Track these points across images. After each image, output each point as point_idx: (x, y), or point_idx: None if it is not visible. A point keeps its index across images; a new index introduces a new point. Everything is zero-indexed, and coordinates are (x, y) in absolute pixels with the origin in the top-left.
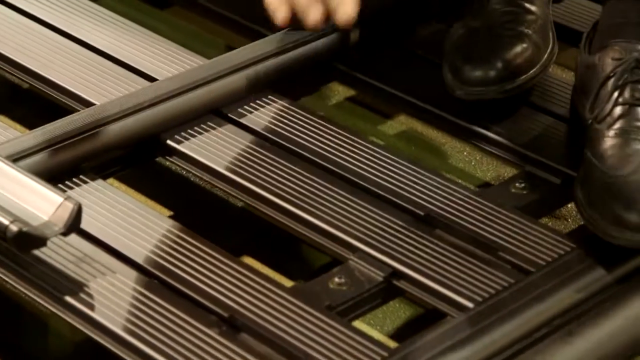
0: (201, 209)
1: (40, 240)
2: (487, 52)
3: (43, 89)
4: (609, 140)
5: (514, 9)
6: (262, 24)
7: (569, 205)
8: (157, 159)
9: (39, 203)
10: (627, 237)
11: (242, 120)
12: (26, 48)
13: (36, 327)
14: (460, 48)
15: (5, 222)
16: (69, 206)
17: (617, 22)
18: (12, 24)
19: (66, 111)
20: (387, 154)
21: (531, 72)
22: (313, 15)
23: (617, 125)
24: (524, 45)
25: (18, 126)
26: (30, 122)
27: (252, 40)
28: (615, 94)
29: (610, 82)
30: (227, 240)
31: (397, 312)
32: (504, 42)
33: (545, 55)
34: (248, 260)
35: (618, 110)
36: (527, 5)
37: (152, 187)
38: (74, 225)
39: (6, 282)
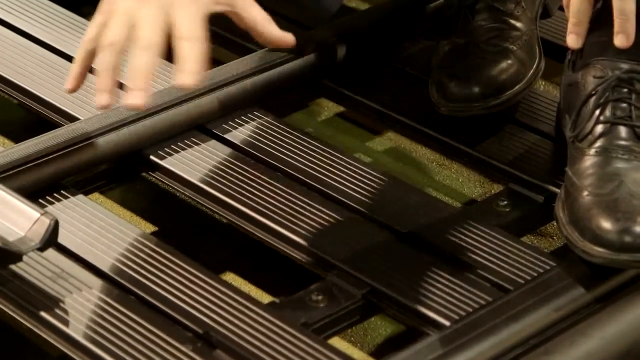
0: (186, 225)
1: (15, 256)
2: (471, 69)
3: (30, 104)
4: (590, 159)
5: (498, 25)
6: (249, 39)
7: (554, 223)
8: (142, 174)
9: (16, 218)
10: (606, 256)
11: (227, 136)
12: (13, 63)
13: (15, 342)
14: (445, 65)
15: None
16: (46, 222)
17: (600, 40)
18: (0, 40)
19: (53, 126)
20: (371, 171)
21: (516, 88)
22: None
23: (598, 144)
24: (509, 61)
25: (6, 140)
26: (19, 136)
27: (239, 55)
28: (597, 112)
29: (592, 100)
30: (211, 255)
31: (378, 329)
32: (488, 58)
33: (531, 72)
34: (230, 275)
35: (599, 128)
36: (512, 21)
37: (138, 202)
38: (50, 240)
39: None
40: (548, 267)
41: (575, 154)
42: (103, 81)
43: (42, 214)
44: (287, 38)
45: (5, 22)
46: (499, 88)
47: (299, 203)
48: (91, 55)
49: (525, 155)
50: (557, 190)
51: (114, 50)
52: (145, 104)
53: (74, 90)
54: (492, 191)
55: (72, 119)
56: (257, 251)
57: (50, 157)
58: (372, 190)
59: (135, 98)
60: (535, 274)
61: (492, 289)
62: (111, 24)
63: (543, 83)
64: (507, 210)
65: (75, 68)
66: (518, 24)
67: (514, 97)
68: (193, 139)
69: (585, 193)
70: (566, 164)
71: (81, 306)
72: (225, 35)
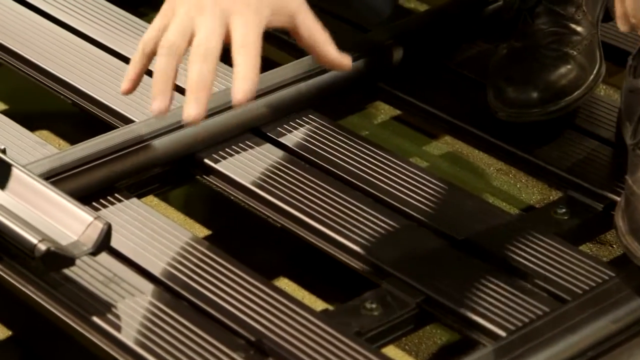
0: (239, 229)
1: (68, 260)
2: (529, 74)
3: (84, 105)
4: None
5: (559, 30)
6: None
7: (614, 231)
8: (196, 178)
9: (69, 222)
10: None
11: (281, 140)
12: (69, 63)
13: (67, 347)
14: (503, 69)
15: (34, 240)
16: (99, 226)
17: None
18: (57, 40)
19: (108, 127)
20: (427, 176)
21: (575, 94)
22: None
23: None
24: (568, 66)
25: (62, 142)
26: (74, 137)
27: (295, 57)
28: None
29: None
30: (264, 261)
31: (432, 338)
32: (547, 63)
33: (591, 77)
34: (283, 281)
35: None
36: (573, 25)
37: (191, 206)
38: (103, 245)
39: (35, 300)
40: (607, 278)
41: (635, 162)
42: (159, 86)
43: (95, 218)
44: (345, 61)
45: (61, 21)
46: (558, 94)
47: (354, 208)
48: (148, 57)
49: (585, 161)
50: (617, 198)
51: (172, 53)
52: (203, 115)
53: (128, 92)
54: (551, 198)
55: (126, 121)
56: (310, 257)
57: (104, 159)
58: (427, 195)
59: (193, 109)
60: (593, 284)
61: (549, 299)
62: (170, 27)
63: (604, 87)
64: (566, 218)
65: (131, 70)
66: (579, 28)
67: (573, 103)
68: (247, 142)
69: None
70: (627, 171)
71: (133, 311)
72: (281, 36)
